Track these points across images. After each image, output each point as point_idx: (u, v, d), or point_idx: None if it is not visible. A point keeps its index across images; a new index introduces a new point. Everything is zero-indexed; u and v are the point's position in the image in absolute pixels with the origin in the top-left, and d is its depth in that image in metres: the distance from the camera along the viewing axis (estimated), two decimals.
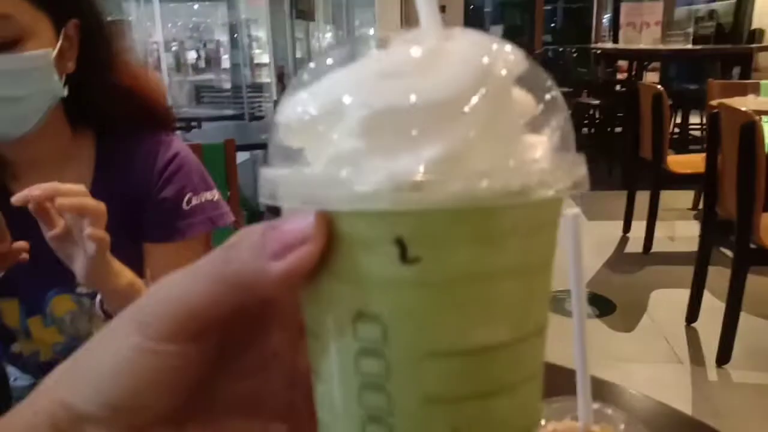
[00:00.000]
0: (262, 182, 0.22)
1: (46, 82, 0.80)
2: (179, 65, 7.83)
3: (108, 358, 0.24)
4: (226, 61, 8.06)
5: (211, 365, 0.26)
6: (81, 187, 0.71)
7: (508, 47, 0.22)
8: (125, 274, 0.77)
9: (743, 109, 2.19)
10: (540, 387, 0.24)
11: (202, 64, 8.27)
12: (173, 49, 8.00)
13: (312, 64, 0.24)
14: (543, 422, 0.37)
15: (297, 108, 0.22)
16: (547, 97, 0.23)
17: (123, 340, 0.24)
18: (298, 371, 0.27)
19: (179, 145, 0.96)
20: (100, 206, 0.70)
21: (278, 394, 0.28)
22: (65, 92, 0.83)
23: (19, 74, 0.77)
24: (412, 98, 0.20)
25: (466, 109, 0.20)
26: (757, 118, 2.03)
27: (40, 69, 0.79)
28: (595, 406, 0.37)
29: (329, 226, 0.21)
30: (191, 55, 8.24)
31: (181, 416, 0.26)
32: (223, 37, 8.23)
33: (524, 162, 0.22)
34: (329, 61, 0.23)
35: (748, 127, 2.01)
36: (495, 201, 0.20)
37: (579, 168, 0.22)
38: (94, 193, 0.83)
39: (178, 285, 0.24)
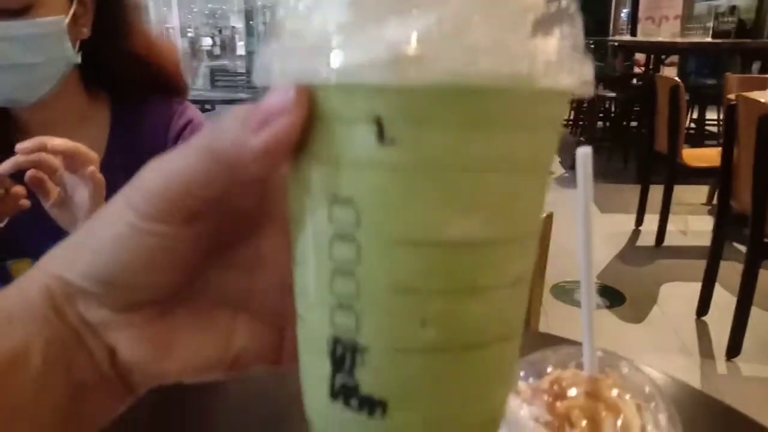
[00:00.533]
0: (257, 60, 0.22)
1: (59, 49, 0.80)
2: (194, 51, 7.85)
3: (103, 236, 0.25)
4: (241, 48, 8.08)
5: (204, 254, 0.26)
6: (68, 141, 0.71)
7: None
8: None
9: (762, 100, 2.16)
10: (521, 298, 0.23)
11: (217, 50, 8.29)
12: (189, 35, 8.03)
13: None
14: (549, 369, 0.37)
15: None
16: (563, 3, 0.22)
17: (117, 220, 0.24)
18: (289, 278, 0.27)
19: (194, 112, 0.96)
20: (91, 152, 0.71)
21: (269, 296, 0.28)
22: (78, 59, 0.84)
23: (31, 41, 0.78)
24: None
25: None
26: None
27: (52, 36, 0.79)
28: (599, 353, 0.37)
29: (309, 101, 0.21)
30: (206, 42, 8.26)
31: (171, 301, 0.27)
32: (239, 24, 8.24)
33: (529, 48, 0.20)
34: None
35: (766, 119, 1.99)
36: (490, 83, 0.19)
37: (586, 67, 0.21)
38: (109, 154, 0.84)
39: (168, 162, 0.24)
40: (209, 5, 8.58)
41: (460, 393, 0.22)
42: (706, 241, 2.59)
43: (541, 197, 0.23)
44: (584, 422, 0.34)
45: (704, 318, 2.54)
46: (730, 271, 2.57)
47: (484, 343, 0.22)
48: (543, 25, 0.21)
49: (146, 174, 0.24)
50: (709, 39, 5.56)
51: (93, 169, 0.71)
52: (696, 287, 2.56)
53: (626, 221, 3.62)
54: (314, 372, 0.23)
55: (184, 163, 0.23)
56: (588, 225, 0.32)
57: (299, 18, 0.21)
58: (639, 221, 3.60)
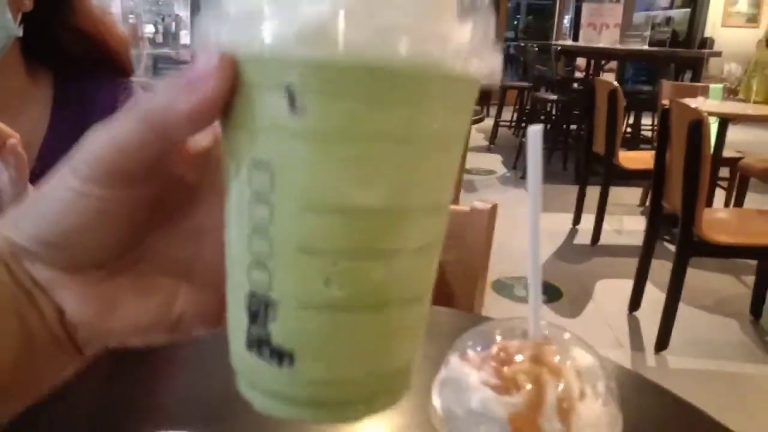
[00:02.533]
0: (195, 30, 0.23)
1: None
2: (136, 38, 7.61)
3: (47, 199, 0.26)
4: (184, 37, 7.89)
5: (146, 220, 0.28)
6: None
7: None
8: None
9: (693, 106, 2.27)
10: (427, 265, 0.25)
11: (159, 38, 8.07)
12: (130, 21, 7.78)
13: None
14: (498, 338, 0.39)
15: None
16: None
17: (61, 184, 0.26)
18: None
19: (139, 93, 0.94)
20: (7, 128, 0.67)
21: (210, 264, 0.29)
22: (20, 32, 0.81)
23: None
24: None
25: None
26: (705, 115, 2.11)
27: None
28: (543, 322, 0.39)
29: (232, 69, 0.22)
30: (149, 29, 8.03)
31: (117, 265, 0.28)
32: (183, 13, 8.04)
33: (441, 33, 0.21)
34: None
35: (697, 124, 2.09)
36: (398, 64, 0.20)
37: (496, 59, 0.23)
38: (51, 133, 0.81)
39: (107, 128, 0.25)
40: None
41: (363, 348, 0.24)
42: (639, 240, 2.70)
43: (448, 171, 0.24)
44: (529, 385, 0.36)
45: (636, 313, 2.65)
46: (661, 268, 2.69)
47: (385, 303, 0.24)
48: (459, 11, 0.22)
49: (87, 140, 0.25)
50: (646, 47, 5.79)
51: (14, 142, 0.68)
52: (629, 284, 2.67)
53: (565, 220, 3.74)
54: (235, 324, 0.25)
55: (120, 128, 0.25)
56: (537, 198, 0.34)
57: None
58: (576, 220, 3.72)
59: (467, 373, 0.38)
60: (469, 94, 0.23)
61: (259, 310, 0.23)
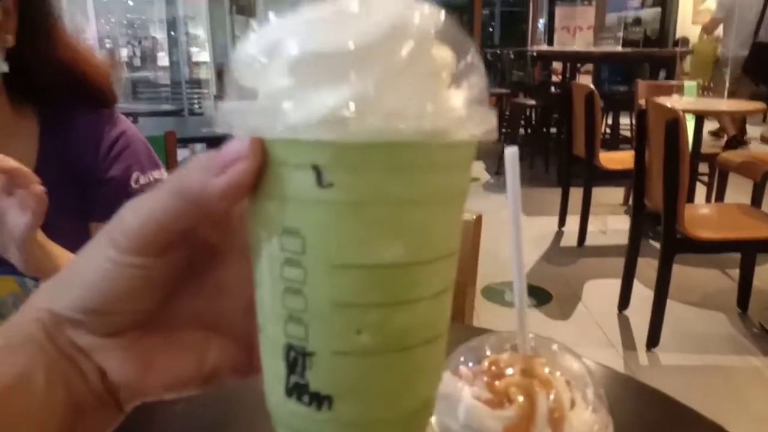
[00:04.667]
0: (218, 114, 0.26)
1: None
2: (113, 63, 7.58)
3: (85, 270, 0.28)
4: (162, 59, 7.87)
5: (176, 281, 0.30)
6: (12, 160, 0.69)
7: (429, 6, 0.25)
8: (66, 257, 0.76)
9: (669, 105, 2.31)
10: (444, 306, 0.27)
11: (137, 61, 8.05)
12: (107, 46, 7.75)
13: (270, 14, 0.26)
14: (488, 352, 0.40)
15: (245, 47, 0.26)
16: (468, 58, 0.26)
17: (99, 255, 0.28)
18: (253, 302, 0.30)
19: (125, 123, 0.95)
20: (23, 167, 0.68)
21: (236, 317, 0.31)
22: (5, 68, 0.81)
23: None
24: (336, 43, 0.23)
25: (385, 55, 0.23)
26: (681, 114, 2.15)
27: None
28: (531, 335, 0.40)
29: (263, 150, 0.25)
30: (126, 52, 8.00)
31: (150, 324, 0.30)
32: (160, 35, 8.03)
33: (441, 106, 0.24)
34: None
35: (673, 122, 2.13)
36: (408, 139, 0.23)
37: (490, 119, 0.25)
38: (40, 170, 0.81)
39: (143, 202, 0.27)
40: (128, 15, 8.32)
41: (393, 386, 0.26)
42: (624, 239, 2.72)
43: (457, 222, 0.27)
44: (521, 398, 0.37)
45: (625, 312, 2.67)
46: (647, 266, 2.72)
47: (411, 345, 0.26)
48: (454, 79, 0.26)
49: (125, 214, 0.28)
50: (619, 48, 5.87)
51: (41, 188, 0.68)
52: (616, 283, 2.70)
53: (550, 223, 3.77)
54: (273, 373, 0.27)
55: (157, 203, 0.27)
56: (517, 215, 0.35)
57: (252, 76, 0.26)
58: (561, 222, 3.75)
59: (460, 388, 0.39)
60: (470, 153, 0.26)
61: (297, 360, 0.26)
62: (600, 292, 2.89)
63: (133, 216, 0.27)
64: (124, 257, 0.27)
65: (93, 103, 0.93)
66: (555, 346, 0.40)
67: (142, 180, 0.92)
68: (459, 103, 0.25)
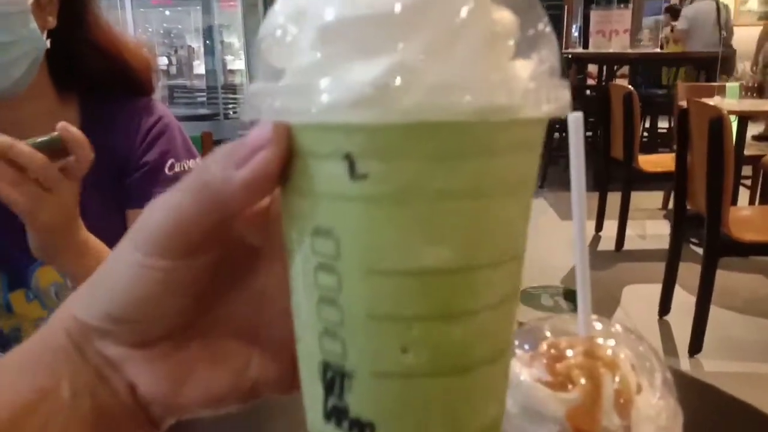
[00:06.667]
0: (245, 98, 0.23)
1: (25, 29, 0.78)
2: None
3: (110, 275, 0.27)
4: (198, 67, 8.00)
5: (211, 286, 0.27)
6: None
7: None
8: (107, 253, 0.76)
9: (712, 104, 2.25)
10: (508, 318, 0.23)
11: (173, 70, 8.19)
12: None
13: None
14: (547, 335, 0.38)
15: (272, 17, 0.23)
16: (540, 26, 0.22)
17: (122, 259, 0.26)
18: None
19: (163, 109, 0.95)
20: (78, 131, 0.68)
21: (277, 326, 0.28)
22: (47, 44, 0.82)
23: None
24: (369, 6, 0.20)
25: (436, 16, 0.20)
26: (725, 112, 2.09)
27: (16, 16, 0.77)
28: (594, 317, 0.38)
29: (287, 138, 0.22)
30: (162, 61, 8.16)
31: (185, 335, 0.28)
32: (195, 44, 8.16)
33: (503, 78, 0.20)
34: None
35: (717, 121, 2.07)
36: (458, 118, 0.19)
37: (563, 93, 0.21)
38: None
39: (164, 201, 0.25)
40: (164, 24, 8.49)
41: (447, 415, 0.22)
42: (663, 244, 2.66)
43: (522, 217, 0.23)
44: (583, 380, 0.35)
45: (666, 318, 2.60)
46: (688, 271, 2.65)
47: (468, 366, 0.22)
48: (520, 49, 0.21)
49: (147, 213, 0.26)
50: (657, 50, 5.76)
51: (91, 153, 0.68)
52: (657, 288, 2.63)
53: (587, 227, 3.70)
54: (311, 393, 0.24)
55: (177, 201, 0.25)
56: (581, 187, 0.33)
57: (280, 51, 0.22)
58: (599, 227, 3.68)
59: (518, 371, 0.37)
60: (538, 133, 0.22)
61: (335, 380, 0.22)
62: (640, 297, 2.83)
63: (153, 217, 0.25)
64: (145, 260, 0.25)
65: (133, 90, 0.93)
66: (618, 327, 0.38)
67: (177, 168, 0.92)
68: (526, 75, 0.21)
